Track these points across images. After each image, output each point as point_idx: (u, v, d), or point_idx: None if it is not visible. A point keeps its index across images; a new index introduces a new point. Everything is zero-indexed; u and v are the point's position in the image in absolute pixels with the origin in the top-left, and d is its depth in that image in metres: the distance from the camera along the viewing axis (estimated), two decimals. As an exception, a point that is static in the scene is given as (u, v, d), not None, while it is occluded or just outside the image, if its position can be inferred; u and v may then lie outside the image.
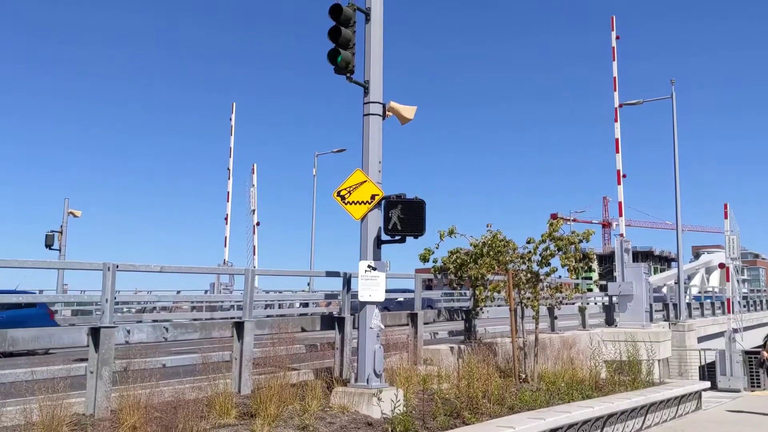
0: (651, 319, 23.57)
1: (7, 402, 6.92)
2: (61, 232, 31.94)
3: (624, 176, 28.04)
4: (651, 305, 23.93)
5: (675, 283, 30.43)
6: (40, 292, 27.69)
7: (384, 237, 9.77)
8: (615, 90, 28.66)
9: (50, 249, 31.80)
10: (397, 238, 9.62)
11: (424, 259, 13.50)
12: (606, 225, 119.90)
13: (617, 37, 29.14)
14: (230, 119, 44.18)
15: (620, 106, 28.75)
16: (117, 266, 8.12)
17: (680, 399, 13.94)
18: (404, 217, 9.40)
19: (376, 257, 9.72)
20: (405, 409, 8.90)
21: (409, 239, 9.69)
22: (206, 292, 34.25)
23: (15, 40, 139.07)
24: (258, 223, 50.69)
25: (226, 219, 43.77)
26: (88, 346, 7.81)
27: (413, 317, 13.03)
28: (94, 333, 7.77)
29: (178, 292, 29.98)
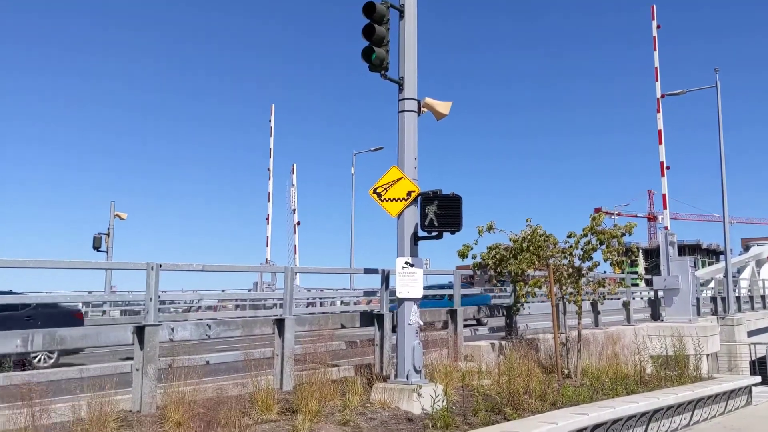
0: (698, 313, 23.06)
1: (56, 399, 7.14)
2: (108, 234, 32.74)
3: (668, 168, 27.56)
4: (698, 299, 23.42)
5: (723, 276, 29.72)
6: (90, 292, 28.47)
7: (421, 233, 9.78)
8: (657, 80, 28.16)
9: (98, 251, 32.65)
10: (433, 234, 9.62)
11: (463, 256, 13.44)
12: (651, 218, 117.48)
13: (658, 27, 28.65)
14: (269, 120, 44.72)
15: (662, 96, 28.23)
16: (160, 266, 8.30)
17: (729, 394, 13.62)
18: (441, 213, 9.39)
19: (414, 254, 9.73)
20: (445, 404, 8.90)
21: (447, 235, 9.67)
22: (249, 291, 34.75)
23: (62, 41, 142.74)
24: (299, 223, 51.18)
25: (267, 219, 44.30)
26: (133, 344, 8.01)
27: (452, 313, 13.01)
28: (139, 331, 7.96)
29: (223, 291, 30.50)
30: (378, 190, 9.89)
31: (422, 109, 10.21)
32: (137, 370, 7.89)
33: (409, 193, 9.71)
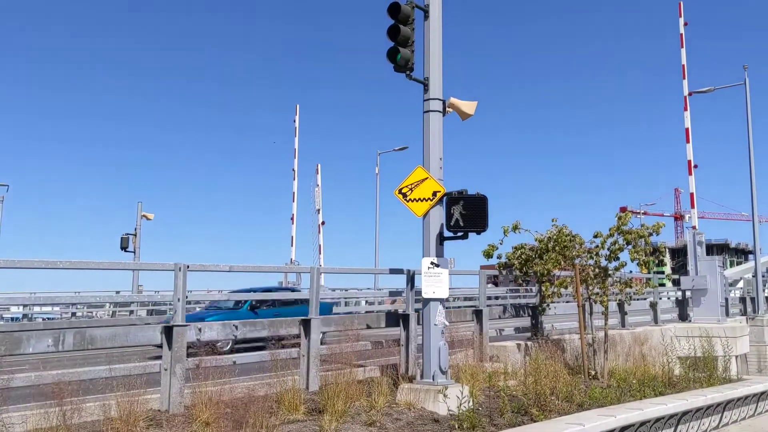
0: (727, 314, 22.73)
1: (87, 398, 7.24)
2: (135, 235, 33.12)
3: (695, 166, 27.21)
4: (726, 299, 23.09)
5: (752, 276, 29.26)
6: (117, 292, 28.84)
7: (446, 233, 9.75)
8: (684, 78, 27.82)
9: (125, 251, 33.05)
10: (459, 234, 9.59)
11: (488, 255, 13.40)
12: (678, 217, 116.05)
13: (685, 24, 28.29)
14: (294, 120, 44.91)
15: (690, 94, 27.88)
16: (188, 266, 8.39)
17: (759, 396, 13.41)
18: (466, 213, 9.36)
19: (439, 254, 9.72)
20: (471, 405, 8.88)
21: (472, 235, 9.64)
22: (274, 291, 34.86)
23: (92, 41, 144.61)
24: (323, 222, 51.33)
25: (292, 219, 44.52)
26: (161, 344, 8.10)
27: (478, 314, 12.97)
28: (168, 331, 8.05)
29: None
30: (403, 191, 9.89)
31: (447, 109, 10.19)
32: (165, 369, 7.98)
33: (434, 194, 9.69)
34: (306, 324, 9.71)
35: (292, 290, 21.20)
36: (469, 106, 10.33)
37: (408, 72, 9.82)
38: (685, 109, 27.49)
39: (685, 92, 27.74)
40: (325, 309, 18.02)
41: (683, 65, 27.80)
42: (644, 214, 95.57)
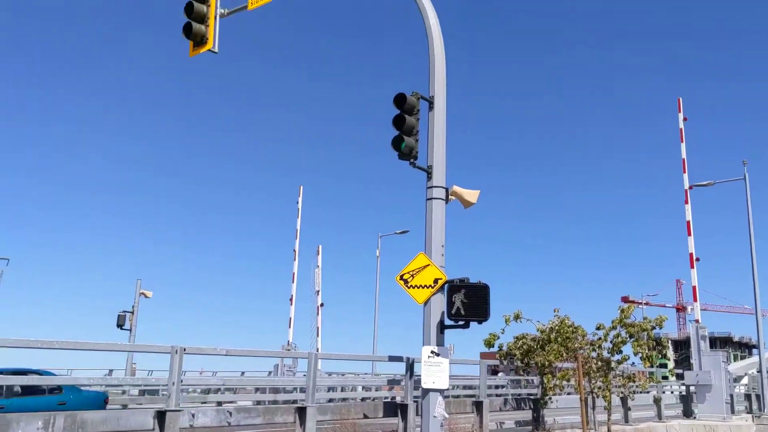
0: (732, 411, 22.20)
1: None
2: (132, 312, 32.80)
3: (698, 260, 27.17)
4: (732, 396, 22.60)
5: (757, 371, 28.75)
6: (110, 372, 28.32)
7: (447, 322, 9.65)
8: (684, 172, 28.18)
9: (121, 329, 32.62)
10: (460, 323, 9.49)
11: (489, 345, 13.24)
12: (680, 309, 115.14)
13: (685, 119, 28.88)
14: (297, 202, 45.26)
15: (690, 187, 28.17)
16: (184, 349, 8.26)
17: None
18: (468, 302, 9.29)
19: (440, 342, 9.59)
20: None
21: (473, 324, 9.53)
22: (270, 373, 34.24)
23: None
24: (322, 304, 50.90)
25: (291, 300, 44.19)
26: (153, 429, 7.88)
27: (478, 405, 12.67)
28: (160, 416, 7.85)
29: (243, 373, 30.13)
30: (405, 277, 9.85)
31: (450, 197, 10.29)
32: (156, 456, 7.74)
33: (435, 281, 9.65)
34: (302, 412, 9.48)
35: (47, 374, 14.89)
36: (472, 195, 10.43)
37: (412, 160, 9.99)
38: (686, 203, 27.74)
39: (686, 186, 28.07)
40: (93, 401, 15.01)
41: (683, 159, 28.24)
42: (646, 304, 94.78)
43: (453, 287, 9.47)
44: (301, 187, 45.30)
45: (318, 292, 51.29)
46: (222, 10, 11.87)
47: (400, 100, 9.98)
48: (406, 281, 9.84)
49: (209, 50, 11.77)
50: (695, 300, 27.07)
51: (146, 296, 33.39)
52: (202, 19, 11.65)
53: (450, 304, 9.42)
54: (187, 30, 11.58)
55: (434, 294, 9.67)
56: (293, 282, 44.40)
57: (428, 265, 9.76)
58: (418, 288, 9.73)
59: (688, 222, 27.63)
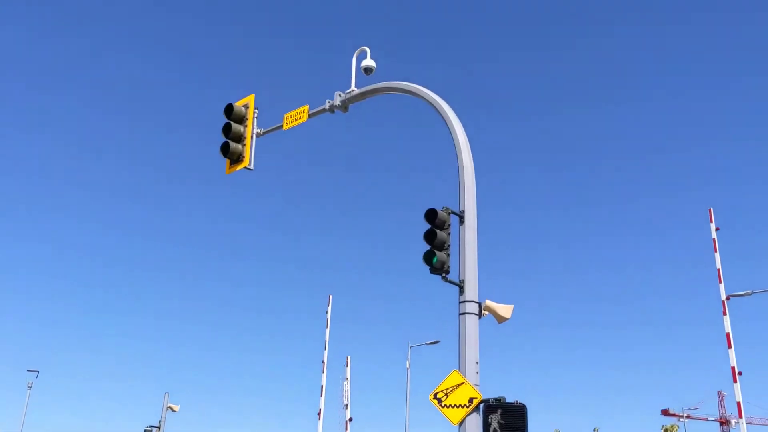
0: None
1: None
2: (159, 427, 32.29)
3: (740, 373, 26.08)
4: None
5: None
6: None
7: (484, 444, 9.28)
8: (720, 282, 27.57)
9: (148, 444, 32.06)
10: (497, 446, 9.12)
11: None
12: (724, 423, 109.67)
13: (717, 229, 28.61)
14: (326, 312, 45.08)
15: (727, 298, 27.50)
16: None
17: None
18: (504, 423, 8.98)
19: (476, 466, 9.18)
20: None
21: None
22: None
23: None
24: (351, 419, 49.60)
25: (319, 414, 43.16)
26: None
27: None
28: None
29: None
30: (438, 396, 9.59)
31: (483, 312, 10.16)
32: None
33: (470, 400, 9.37)
34: None
35: None
36: (505, 310, 10.29)
37: (444, 274, 9.98)
38: (724, 314, 27.00)
39: (723, 297, 27.41)
40: None
41: (718, 269, 27.73)
42: (687, 417, 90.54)
43: (489, 407, 9.18)
44: (330, 296, 45.23)
45: (347, 405, 50.14)
46: (258, 130, 12.33)
47: (431, 215, 10.09)
48: (440, 400, 9.57)
49: (245, 167, 12.15)
50: (741, 417, 25.79)
51: (173, 410, 32.98)
52: (239, 138, 12.10)
53: (486, 425, 9.11)
54: (225, 149, 12.00)
55: (469, 414, 9.36)
56: (321, 395, 43.50)
57: (462, 383, 9.51)
58: (453, 408, 9.44)
59: (728, 334, 26.77)
